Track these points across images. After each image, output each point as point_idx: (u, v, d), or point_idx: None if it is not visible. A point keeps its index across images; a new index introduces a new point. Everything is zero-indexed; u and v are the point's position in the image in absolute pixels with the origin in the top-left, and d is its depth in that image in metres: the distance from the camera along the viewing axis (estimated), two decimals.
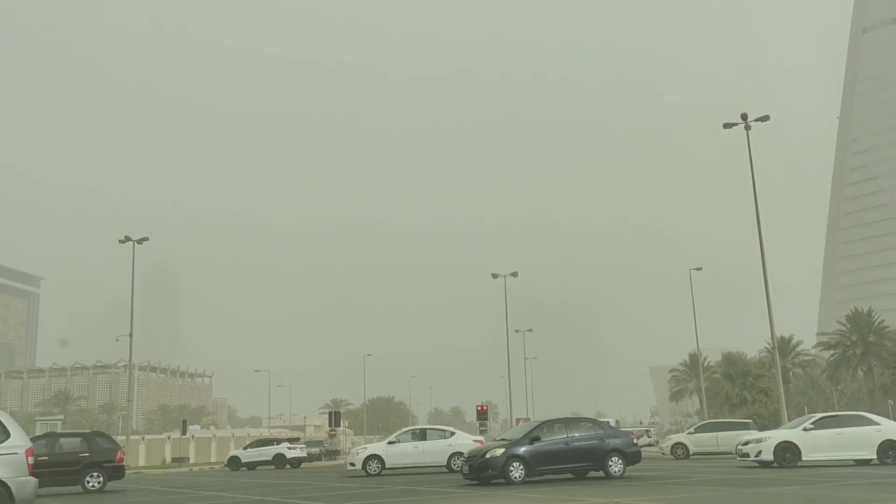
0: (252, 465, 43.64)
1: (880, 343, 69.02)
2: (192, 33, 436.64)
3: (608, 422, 29.68)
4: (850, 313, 73.73)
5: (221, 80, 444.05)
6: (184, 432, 63.60)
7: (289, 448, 44.38)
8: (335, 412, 63.54)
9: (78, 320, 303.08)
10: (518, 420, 79.36)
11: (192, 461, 60.72)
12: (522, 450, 19.38)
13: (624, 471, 19.84)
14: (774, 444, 22.74)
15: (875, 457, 22.46)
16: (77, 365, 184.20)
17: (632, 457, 20.36)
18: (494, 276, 66.02)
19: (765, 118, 38.27)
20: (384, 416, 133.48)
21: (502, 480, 19.00)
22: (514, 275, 65.37)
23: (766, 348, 65.10)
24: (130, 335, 55.56)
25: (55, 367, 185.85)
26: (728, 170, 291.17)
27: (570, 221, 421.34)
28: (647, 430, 51.21)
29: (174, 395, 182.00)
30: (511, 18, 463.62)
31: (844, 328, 72.67)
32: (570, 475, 20.17)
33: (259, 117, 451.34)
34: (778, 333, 44.17)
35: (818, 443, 22.59)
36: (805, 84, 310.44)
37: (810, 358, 77.89)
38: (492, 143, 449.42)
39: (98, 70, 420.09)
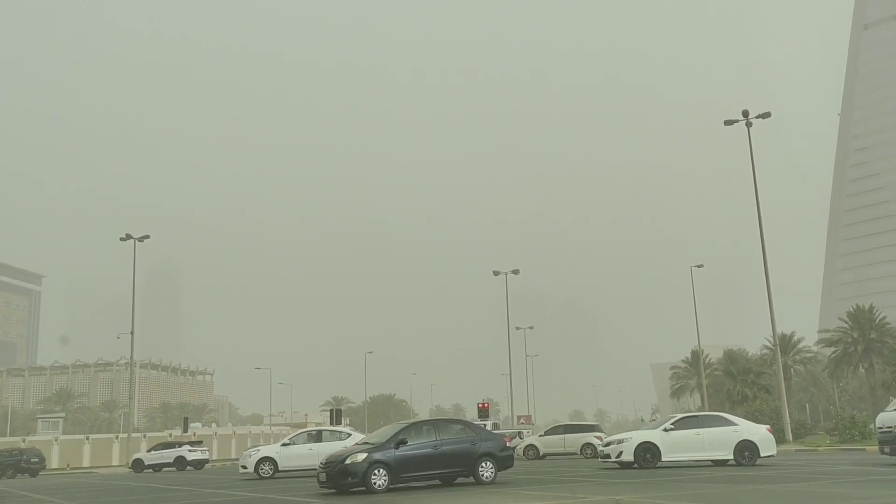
0: (158, 468, 44.72)
1: (882, 340, 68.98)
2: (192, 34, 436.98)
3: (487, 424, 29.50)
4: (852, 310, 73.69)
5: (221, 80, 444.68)
6: (185, 430, 63.74)
7: (189, 451, 45.76)
8: (336, 409, 63.43)
9: (79, 318, 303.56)
10: (520, 418, 79.55)
11: None
12: (387, 454, 17.70)
13: (496, 476, 18.68)
14: (635, 445, 22.80)
15: (732, 457, 22.79)
16: (78, 363, 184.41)
17: (504, 461, 19.18)
18: (496, 273, 66.06)
19: (766, 115, 38.27)
20: (385, 413, 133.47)
21: (363, 489, 17.32)
22: (516, 272, 65.46)
23: (768, 345, 65.18)
24: (132, 333, 55.64)
25: (56, 364, 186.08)
26: (728, 168, 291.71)
27: (570, 220, 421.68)
28: (518, 433, 50.21)
29: (175, 392, 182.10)
30: (511, 18, 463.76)
31: (846, 325, 72.62)
32: (437, 482, 18.96)
33: (259, 117, 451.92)
34: (779, 330, 44.22)
35: (678, 443, 22.79)
36: (805, 82, 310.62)
37: (812, 355, 77.82)
38: (492, 143, 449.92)
39: (98, 70, 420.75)
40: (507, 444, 20.07)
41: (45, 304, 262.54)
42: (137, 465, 45.31)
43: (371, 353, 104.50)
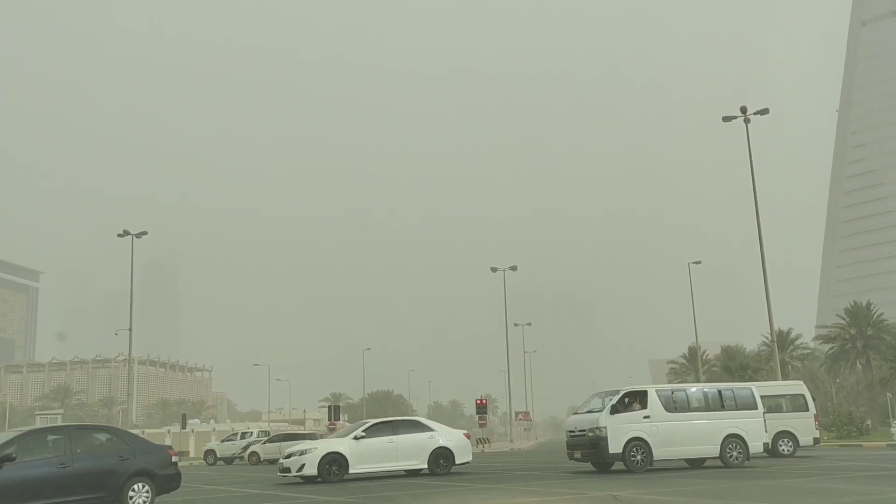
0: None
1: (879, 336, 69.07)
2: (192, 33, 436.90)
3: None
4: (849, 306, 73.78)
5: (219, 77, 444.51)
6: (184, 426, 63.71)
7: None
8: (335, 406, 63.66)
9: (77, 314, 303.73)
10: (518, 414, 79.26)
11: (192, 455, 60.85)
12: None
13: (152, 502, 14.12)
14: (320, 457, 20.55)
15: (426, 466, 21.31)
16: (76, 359, 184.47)
17: (165, 482, 14.56)
18: (493, 269, 66.11)
19: (764, 111, 38.12)
20: (383, 409, 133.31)
21: None
22: (514, 269, 65.47)
23: (765, 341, 65.18)
24: (130, 329, 55.49)
25: (54, 361, 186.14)
26: (727, 163, 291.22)
27: (569, 215, 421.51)
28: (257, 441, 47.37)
29: (174, 389, 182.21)
30: (511, 16, 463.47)
31: (843, 321, 72.71)
32: None
33: (258, 113, 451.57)
34: (777, 327, 44.22)
35: (369, 453, 20.89)
36: (804, 78, 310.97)
37: (809, 351, 77.90)
38: (492, 138, 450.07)
39: (97, 68, 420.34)
40: (174, 460, 15.08)
41: (42, 300, 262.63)
42: None
43: (369, 349, 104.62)
